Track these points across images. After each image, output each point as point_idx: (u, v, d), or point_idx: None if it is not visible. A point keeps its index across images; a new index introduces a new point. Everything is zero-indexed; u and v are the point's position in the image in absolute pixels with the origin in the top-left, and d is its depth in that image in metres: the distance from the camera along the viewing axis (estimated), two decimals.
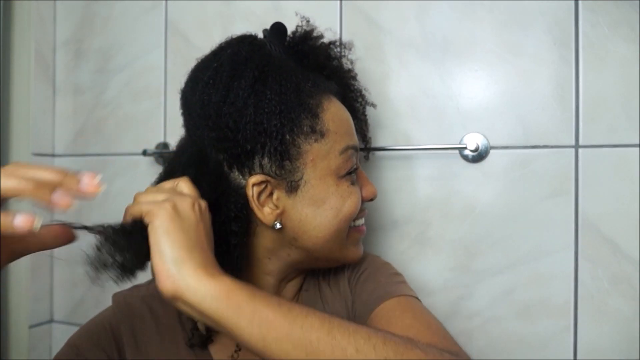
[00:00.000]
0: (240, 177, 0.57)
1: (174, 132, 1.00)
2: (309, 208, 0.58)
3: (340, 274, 0.67)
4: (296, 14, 0.69)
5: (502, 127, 0.79)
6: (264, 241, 0.60)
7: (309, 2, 0.89)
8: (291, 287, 0.66)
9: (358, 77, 0.71)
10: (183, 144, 0.63)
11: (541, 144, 0.78)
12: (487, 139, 0.80)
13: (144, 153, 0.97)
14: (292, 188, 0.57)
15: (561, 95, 0.77)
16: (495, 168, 0.80)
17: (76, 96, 1.10)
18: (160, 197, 0.49)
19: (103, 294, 1.06)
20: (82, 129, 1.09)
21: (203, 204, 0.50)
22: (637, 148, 0.73)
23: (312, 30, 0.67)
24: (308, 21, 0.68)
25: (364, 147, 0.75)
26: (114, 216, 1.14)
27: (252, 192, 0.56)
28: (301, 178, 0.57)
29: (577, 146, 0.76)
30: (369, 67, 0.86)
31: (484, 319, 0.80)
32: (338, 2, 0.88)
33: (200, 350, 0.60)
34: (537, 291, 0.78)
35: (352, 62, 0.71)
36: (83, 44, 1.09)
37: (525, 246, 0.78)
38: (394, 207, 0.85)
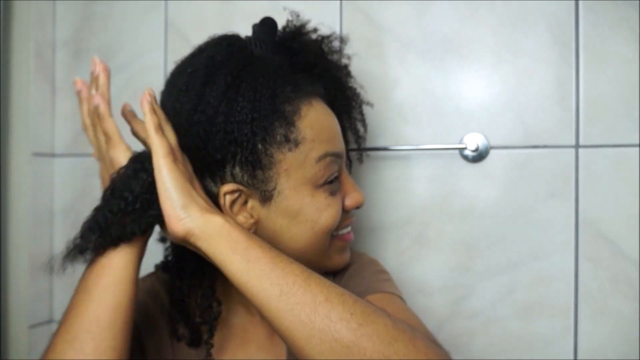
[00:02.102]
0: (213, 184, 0.56)
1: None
2: (284, 219, 0.56)
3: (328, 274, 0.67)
4: (284, 9, 0.67)
5: (502, 127, 0.79)
6: None
7: (309, 2, 0.89)
8: None
9: (354, 74, 0.69)
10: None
11: (541, 144, 0.78)
12: (487, 139, 0.80)
13: None
14: (266, 198, 0.55)
15: (561, 95, 0.77)
16: (495, 168, 0.80)
17: (76, 96, 1.09)
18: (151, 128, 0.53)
19: None
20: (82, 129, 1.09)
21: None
22: (637, 148, 0.73)
23: (303, 25, 0.64)
24: (298, 16, 0.66)
25: (357, 148, 0.73)
26: None
27: (224, 200, 0.55)
28: (274, 188, 0.55)
29: (577, 146, 0.76)
30: (368, 66, 0.86)
31: (484, 319, 0.80)
32: (338, 2, 0.88)
33: (195, 349, 0.60)
34: (537, 291, 0.78)
35: (349, 57, 0.69)
36: (83, 44, 1.08)
37: (525, 246, 0.78)
38: (393, 207, 0.85)
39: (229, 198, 0.55)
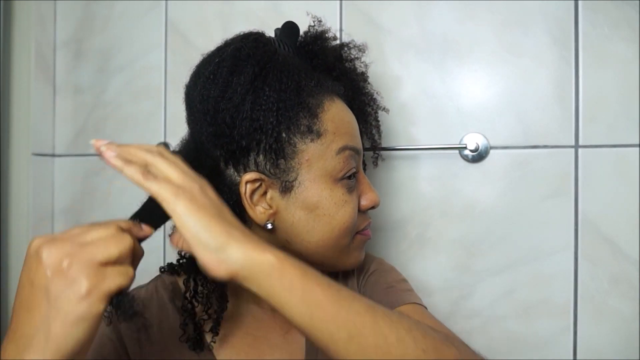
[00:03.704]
0: (235, 174, 0.56)
1: (174, 132, 1.00)
2: (302, 211, 0.56)
3: (349, 275, 0.67)
4: (307, 14, 0.68)
5: (502, 127, 0.79)
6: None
7: (309, 2, 0.89)
8: None
9: (371, 81, 0.70)
10: (184, 140, 0.64)
11: (541, 144, 0.78)
12: (487, 139, 0.80)
13: None
14: (286, 189, 0.56)
15: (561, 95, 0.77)
16: (495, 168, 0.80)
17: (76, 96, 1.10)
18: (173, 175, 0.45)
19: None
20: (82, 129, 1.09)
21: (205, 183, 0.48)
22: (637, 148, 0.73)
23: (324, 31, 0.66)
24: (320, 21, 0.67)
25: (371, 147, 0.73)
26: (114, 216, 1.14)
27: (244, 189, 0.56)
28: (295, 179, 0.56)
29: (577, 146, 0.76)
30: (369, 67, 0.85)
31: (484, 319, 0.80)
32: (338, 2, 0.88)
33: (204, 352, 0.60)
34: (537, 291, 0.78)
35: (366, 66, 0.70)
36: (83, 44, 1.09)
37: (525, 246, 0.78)
38: (394, 207, 0.85)
39: (250, 187, 0.56)
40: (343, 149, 0.58)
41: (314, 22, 0.67)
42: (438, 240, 0.83)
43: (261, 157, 0.55)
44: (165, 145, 0.99)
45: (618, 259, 0.74)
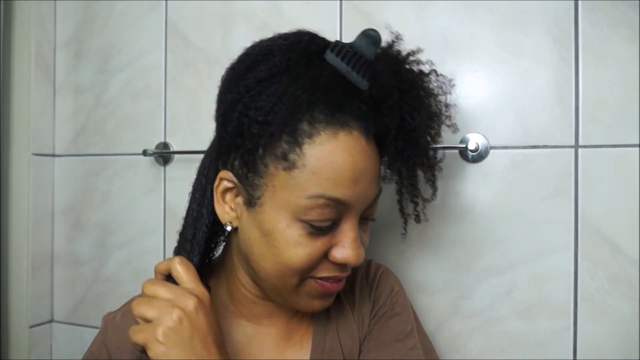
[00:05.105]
0: (221, 163, 0.56)
1: (174, 132, 1.00)
2: (258, 232, 0.53)
3: (355, 291, 0.65)
4: (386, 27, 0.62)
5: (502, 127, 0.79)
6: (235, 240, 0.59)
7: (309, 2, 0.89)
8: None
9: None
10: None
11: (541, 144, 0.78)
12: (487, 139, 0.80)
13: (144, 153, 0.97)
14: (250, 203, 0.53)
15: (561, 95, 0.77)
16: (495, 168, 0.80)
17: (76, 96, 1.10)
18: (156, 314, 0.48)
19: (103, 294, 1.06)
20: (82, 129, 1.09)
21: (205, 297, 0.50)
22: (637, 148, 0.73)
23: (410, 53, 0.58)
24: (401, 39, 0.59)
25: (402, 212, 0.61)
26: (114, 215, 1.15)
27: (217, 183, 0.56)
28: (260, 198, 0.52)
29: (576, 146, 0.76)
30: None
31: (483, 319, 0.80)
32: (338, 2, 0.88)
33: None
34: (537, 291, 0.78)
35: (446, 106, 0.58)
36: (83, 44, 1.09)
37: (525, 246, 0.78)
38: (393, 206, 0.85)
39: (224, 185, 0.55)
40: (317, 196, 0.50)
41: (397, 39, 0.58)
42: (438, 240, 0.83)
43: (237, 162, 0.53)
44: (165, 145, 0.99)
45: (618, 259, 0.74)
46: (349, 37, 0.86)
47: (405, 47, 0.58)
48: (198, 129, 0.97)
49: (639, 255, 0.73)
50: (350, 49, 0.53)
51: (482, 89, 0.80)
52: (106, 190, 1.06)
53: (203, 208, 0.58)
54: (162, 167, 1.00)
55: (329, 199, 0.50)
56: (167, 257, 0.99)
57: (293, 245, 0.51)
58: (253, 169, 0.52)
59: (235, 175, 0.54)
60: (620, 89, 0.74)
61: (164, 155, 0.99)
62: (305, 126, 0.50)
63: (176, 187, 0.99)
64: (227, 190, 0.55)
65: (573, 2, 0.76)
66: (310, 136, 0.50)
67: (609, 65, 0.74)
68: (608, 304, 0.74)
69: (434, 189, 0.61)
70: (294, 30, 0.56)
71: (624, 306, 0.74)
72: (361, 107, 0.51)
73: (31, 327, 1.04)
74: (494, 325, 0.80)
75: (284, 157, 0.50)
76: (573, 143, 0.76)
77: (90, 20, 1.08)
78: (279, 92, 0.50)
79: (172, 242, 0.99)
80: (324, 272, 0.54)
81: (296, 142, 0.50)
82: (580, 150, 0.76)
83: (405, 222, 0.63)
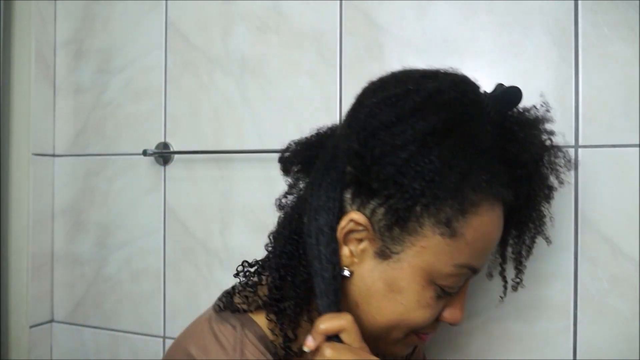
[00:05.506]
0: (350, 199, 0.51)
1: (174, 132, 1.00)
2: (383, 285, 0.51)
3: None
4: (541, 95, 0.62)
5: None
6: (344, 285, 0.52)
7: (309, 2, 0.89)
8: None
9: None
10: (329, 129, 0.61)
11: None
12: None
13: (144, 153, 0.97)
14: (383, 255, 0.50)
15: (561, 95, 0.77)
16: None
17: (76, 96, 1.10)
18: None
19: (103, 294, 1.06)
20: (82, 129, 1.09)
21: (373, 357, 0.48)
22: (637, 148, 0.73)
23: (542, 120, 0.57)
24: (547, 109, 0.58)
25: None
26: (114, 215, 1.15)
27: (345, 223, 0.50)
28: (398, 253, 0.50)
29: (576, 146, 0.76)
30: (369, 67, 0.86)
31: (484, 319, 0.80)
32: (338, 2, 0.88)
33: None
34: (537, 291, 0.78)
35: (561, 183, 0.60)
36: (83, 44, 1.09)
37: None
38: None
39: (351, 226, 0.50)
40: (463, 266, 0.50)
41: (541, 104, 0.57)
42: None
43: (382, 210, 0.49)
44: (165, 145, 0.99)
45: (618, 259, 0.74)
46: (349, 37, 0.87)
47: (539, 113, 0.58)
48: (198, 129, 0.97)
49: (639, 255, 0.73)
50: (492, 105, 0.52)
51: (482, 88, 0.80)
52: (106, 190, 1.06)
53: (321, 247, 0.50)
54: (162, 167, 1.00)
55: (472, 268, 0.51)
56: (167, 257, 0.99)
57: (422, 306, 0.51)
58: (402, 224, 0.49)
59: (374, 222, 0.50)
60: (620, 89, 0.74)
61: (164, 155, 0.99)
62: (472, 195, 0.48)
63: (176, 187, 0.99)
64: (351, 231, 0.51)
65: (573, 2, 0.76)
66: (475, 206, 0.48)
67: (609, 65, 0.74)
68: (608, 304, 0.74)
69: (528, 253, 0.63)
70: (448, 72, 0.54)
71: (624, 306, 0.73)
72: (511, 176, 0.52)
73: (31, 327, 1.04)
74: (493, 325, 0.80)
75: (447, 224, 0.48)
76: (573, 143, 0.76)
77: (90, 20, 1.08)
78: (450, 153, 0.48)
79: (172, 242, 1.00)
80: (428, 327, 0.54)
81: (462, 210, 0.48)
82: (580, 150, 0.76)
83: (506, 288, 0.65)
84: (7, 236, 1.02)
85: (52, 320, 1.11)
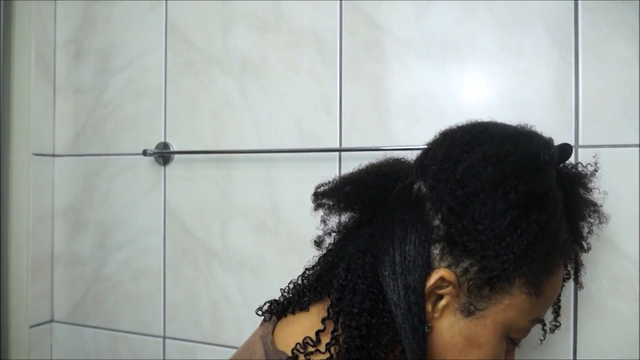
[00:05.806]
0: (438, 257, 0.50)
1: (174, 132, 1.00)
2: (463, 341, 0.51)
3: None
4: (596, 157, 0.64)
5: None
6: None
7: (309, 2, 0.89)
8: None
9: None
10: (391, 161, 0.59)
11: None
12: None
13: (144, 153, 0.97)
14: (467, 311, 0.50)
15: (561, 95, 0.77)
16: None
17: (76, 96, 1.10)
18: None
19: (103, 294, 1.06)
20: (82, 129, 1.09)
21: None
22: (637, 148, 0.73)
23: (587, 176, 0.59)
24: (596, 167, 0.61)
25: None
26: (114, 215, 1.15)
27: (434, 280, 0.49)
28: (482, 310, 0.50)
29: (577, 146, 0.76)
30: (369, 67, 0.86)
31: None
32: (338, 2, 0.88)
33: None
34: None
35: (588, 245, 0.63)
36: (83, 44, 1.09)
37: None
38: None
39: (438, 282, 0.49)
40: (536, 320, 0.53)
41: (594, 162, 0.60)
42: None
43: (475, 269, 0.49)
44: (165, 145, 0.99)
45: (618, 259, 0.74)
46: (349, 37, 0.87)
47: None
48: (198, 129, 0.98)
49: (639, 255, 0.73)
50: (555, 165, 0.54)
51: (482, 89, 0.80)
52: (106, 190, 1.06)
53: (412, 306, 0.49)
54: (162, 167, 1.00)
55: (540, 321, 0.55)
56: (167, 257, 0.99)
57: (497, 355, 0.52)
58: (494, 285, 0.49)
59: (462, 280, 0.50)
60: (620, 89, 0.74)
61: (164, 155, 0.99)
62: (558, 257, 0.51)
63: (176, 187, 0.99)
64: (437, 287, 0.50)
65: (573, 2, 0.76)
66: (557, 266, 0.52)
67: (609, 65, 0.74)
68: (608, 304, 0.74)
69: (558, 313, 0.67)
70: (532, 131, 0.55)
71: (624, 306, 0.73)
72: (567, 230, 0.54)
73: (31, 327, 1.04)
74: None
75: (537, 285, 0.50)
76: (573, 143, 0.76)
77: (91, 20, 1.08)
78: (546, 216, 0.49)
79: (172, 242, 1.00)
80: None
81: (549, 272, 0.51)
82: (580, 150, 0.76)
83: (545, 331, 0.66)
84: (7, 236, 1.02)
85: (52, 320, 1.11)
